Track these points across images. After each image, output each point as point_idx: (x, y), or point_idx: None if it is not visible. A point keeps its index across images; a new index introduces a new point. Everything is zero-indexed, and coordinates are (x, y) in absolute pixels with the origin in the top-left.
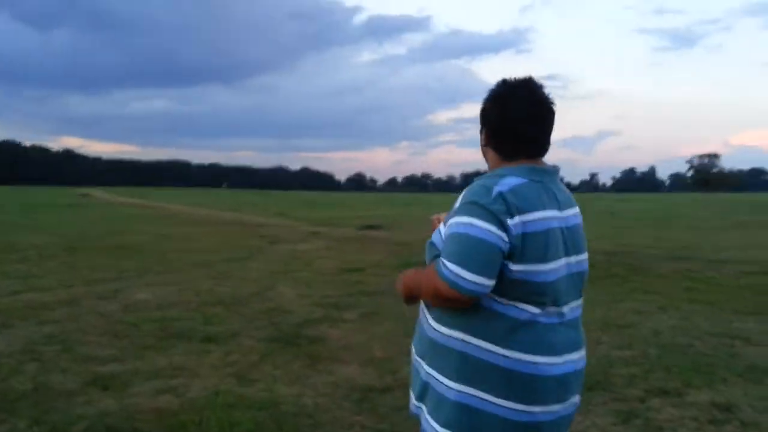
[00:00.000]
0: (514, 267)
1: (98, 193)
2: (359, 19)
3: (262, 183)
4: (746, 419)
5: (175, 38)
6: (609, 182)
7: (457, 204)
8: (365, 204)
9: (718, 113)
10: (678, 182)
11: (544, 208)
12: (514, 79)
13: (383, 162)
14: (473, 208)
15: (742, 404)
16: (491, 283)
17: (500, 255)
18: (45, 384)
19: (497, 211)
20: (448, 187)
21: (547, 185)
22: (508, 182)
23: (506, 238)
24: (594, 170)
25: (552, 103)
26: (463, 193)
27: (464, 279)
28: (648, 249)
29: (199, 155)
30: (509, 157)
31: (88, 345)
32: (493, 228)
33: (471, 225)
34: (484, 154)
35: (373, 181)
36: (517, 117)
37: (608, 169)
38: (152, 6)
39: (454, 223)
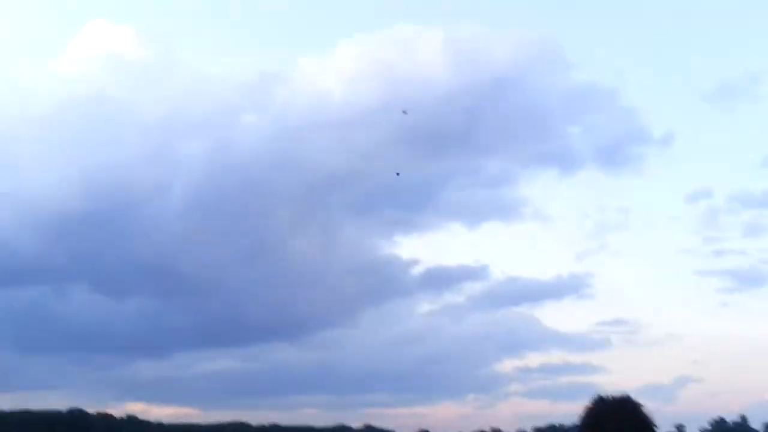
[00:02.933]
0: None
1: None
2: (417, 270)
3: None
4: None
5: (240, 299)
6: None
7: None
8: None
9: None
10: None
11: None
12: (612, 398)
13: (449, 417)
14: None
15: None
16: None
17: None
18: None
19: None
20: None
21: None
22: None
23: None
24: (679, 421)
25: (655, 425)
26: None
27: None
28: None
29: (259, 416)
30: None
31: None
32: None
33: None
34: None
35: None
36: None
37: (694, 419)
38: (219, 269)
39: None
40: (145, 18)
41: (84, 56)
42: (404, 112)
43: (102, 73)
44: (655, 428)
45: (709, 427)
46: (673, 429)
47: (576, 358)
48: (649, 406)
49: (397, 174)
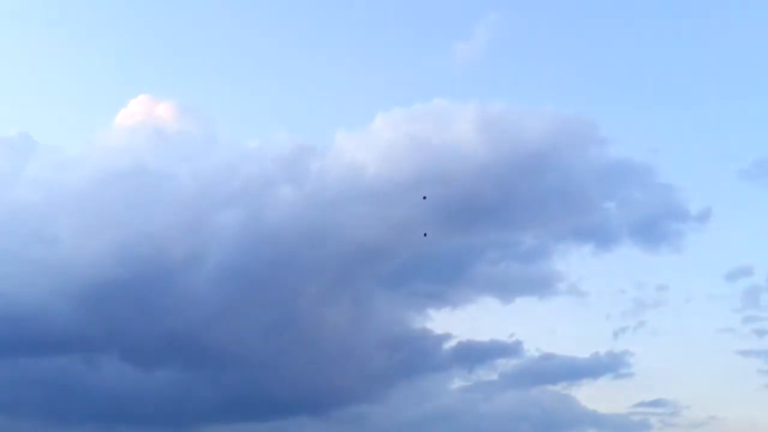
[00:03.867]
0: None
1: None
2: (449, 345)
3: None
4: None
5: (269, 372)
6: None
7: None
8: None
9: None
10: None
11: None
12: None
13: None
14: None
15: None
16: None
17: None
18: None
19: None
20: None
21: None
22: None
23: None
24: None
25: None
26: None
27: None
28: None
29: None
30: None
31: None
32: None
33: None
34: None
35: None
36: None
37: None
38: (249, 341)
39: None
40: (187, 93)
41: (128, 130)
42: (424, 197)
43: (144, 146)
44: None
45: None
46: None
47: None
48: None
49: (425, 235)
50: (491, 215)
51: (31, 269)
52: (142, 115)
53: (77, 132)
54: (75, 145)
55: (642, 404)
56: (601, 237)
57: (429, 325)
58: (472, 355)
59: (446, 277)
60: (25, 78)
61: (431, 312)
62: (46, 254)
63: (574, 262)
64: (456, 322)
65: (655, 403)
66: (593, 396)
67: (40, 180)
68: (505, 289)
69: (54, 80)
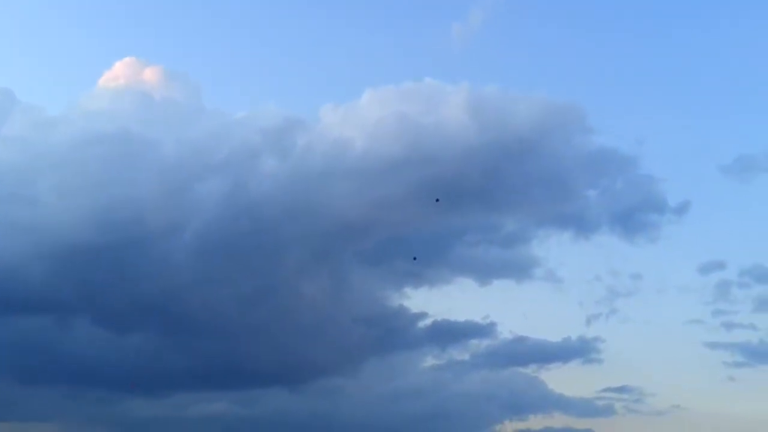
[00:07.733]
0: None
1: None
2: (424, 324)
3: None
4: None
5: (243, 342)
6: None
7: None
8: None
9: None
10: None
11: None
12: None
13: None
14: None
15: None
16: None
17: None
18: None
19: None
20: None
21: None
22: None
23: None
24: None
25: None
26: None
27: None
28: None
29: None
30: None
31: None
32: None
33: None
34: None
35: None
36: None
37: None
38: (224, 311)
39: None
40: (175, 59)
41: (112, 92)
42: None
43: (128, 110)
44: None
45: None
46: None
47: (579, 423)
48: None
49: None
50: (474, 198)
51: (8, 229)
52: (126, 79)
53: (60, 92)
54: (57, 105)
55: (608, 389)
56: (581, 224)
57: (405, 303)
58: (446, 334)
59: (425, 256)
60: (9, 33)
61: (408, 290)
62: (24, 214)
63: (553, 248)
64: (432, 302)
65: (620, 389)
66: (561, 379)
67: (20, 138)
68: (483, 272)
69: (38, 37)
